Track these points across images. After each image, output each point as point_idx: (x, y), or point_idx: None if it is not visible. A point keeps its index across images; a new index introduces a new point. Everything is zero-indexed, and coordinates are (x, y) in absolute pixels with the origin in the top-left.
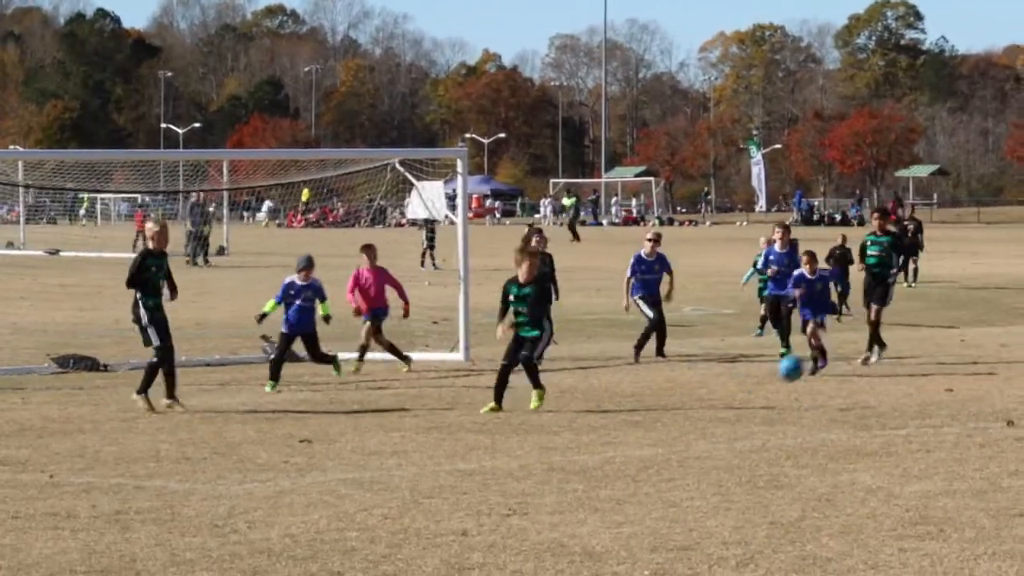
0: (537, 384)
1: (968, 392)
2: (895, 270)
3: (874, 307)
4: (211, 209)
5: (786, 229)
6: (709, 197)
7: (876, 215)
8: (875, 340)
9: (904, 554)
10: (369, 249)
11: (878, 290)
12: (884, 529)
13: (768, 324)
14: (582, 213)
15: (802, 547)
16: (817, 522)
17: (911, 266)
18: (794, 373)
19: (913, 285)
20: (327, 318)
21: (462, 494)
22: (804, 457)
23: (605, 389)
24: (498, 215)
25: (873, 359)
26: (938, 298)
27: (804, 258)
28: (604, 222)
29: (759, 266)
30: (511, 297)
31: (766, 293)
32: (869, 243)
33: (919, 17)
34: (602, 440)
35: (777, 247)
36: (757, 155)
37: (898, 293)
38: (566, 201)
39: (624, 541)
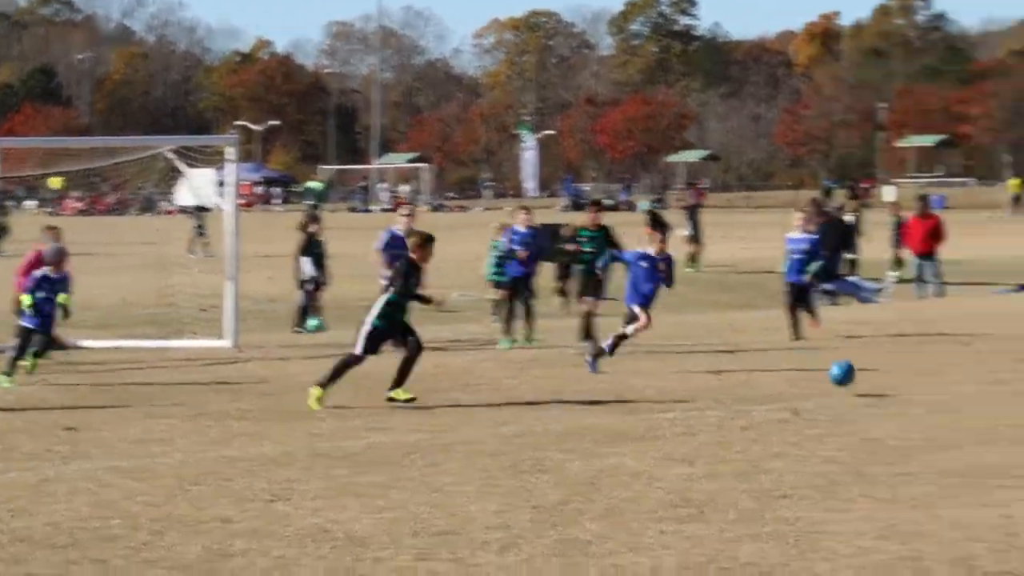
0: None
1: (734, 376)
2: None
3: (588, 301)
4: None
5: (528, 211)
6: (490, 183)
7: (592, 207)
8: (586, 333)
9: (665, 536)
10: (52, 231)
11: (590, 284)
12: (646, 512)
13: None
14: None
15: (564, 530)
16: (580, 506)
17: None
18: (846, 377)
19: (695, 269)
20: (65, 309)
21: (226, 481)
22: (569, 441)
23: (370, 375)
24: (278, 201)
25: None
26: (708, 283)
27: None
28: (373, 208)
29: (506, 248)
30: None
31: (504, 278)
32: (584, 237)
33: (693, 3)
34: (368, 426)
35: (520, 227)
36: (530, 140)
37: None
38: (312, 184)
39: (387, 526)
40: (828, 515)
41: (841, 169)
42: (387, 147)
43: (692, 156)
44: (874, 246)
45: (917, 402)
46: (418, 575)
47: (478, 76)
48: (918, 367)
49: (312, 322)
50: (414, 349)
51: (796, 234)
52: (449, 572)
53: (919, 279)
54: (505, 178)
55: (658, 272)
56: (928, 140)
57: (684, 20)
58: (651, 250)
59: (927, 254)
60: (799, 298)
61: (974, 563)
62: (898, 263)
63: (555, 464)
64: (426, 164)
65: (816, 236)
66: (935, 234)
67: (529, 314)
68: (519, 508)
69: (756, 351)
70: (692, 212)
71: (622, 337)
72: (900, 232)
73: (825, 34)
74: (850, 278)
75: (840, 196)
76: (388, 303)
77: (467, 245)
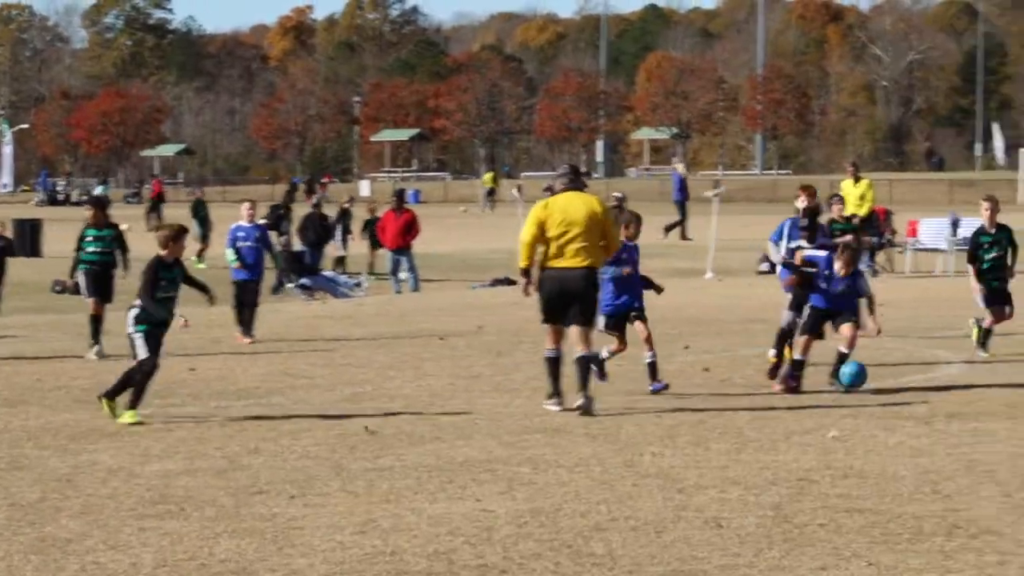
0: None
1: (210, 371)
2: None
3: None
4: None
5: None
6: None
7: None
8: None
9: (144, 533)
10: None
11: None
12: (124, 509)
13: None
14: None
15: (41, 528)
16: (57, 503)
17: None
18: (859, 378)
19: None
20: None
21: None
22: (45, 438)
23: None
24: None
25: None
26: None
27: None
28: None
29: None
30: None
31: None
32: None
33: None
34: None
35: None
36: (6, 135)
37: None
38: None
39: None
40: (307, 510)
41: (316, 163)
42: None
43: (167, 150)
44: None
45: (394, 396)
46: None
47: None
48: (393, 362)
49: None
50: None
51: (247, 223)
52: None
53: (394, 274)
54: None
55: None
56: (402, 134)
57: (158, 14)
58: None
59: (402, 249)
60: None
61: (453, 556)
62: (371, 258)
63: (31, 461)
64: None
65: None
66: (409, 229)
67: None
68: None
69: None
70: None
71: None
72: (374, 228)
73: (298, 28)
74: (327, 273)
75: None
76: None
77: None
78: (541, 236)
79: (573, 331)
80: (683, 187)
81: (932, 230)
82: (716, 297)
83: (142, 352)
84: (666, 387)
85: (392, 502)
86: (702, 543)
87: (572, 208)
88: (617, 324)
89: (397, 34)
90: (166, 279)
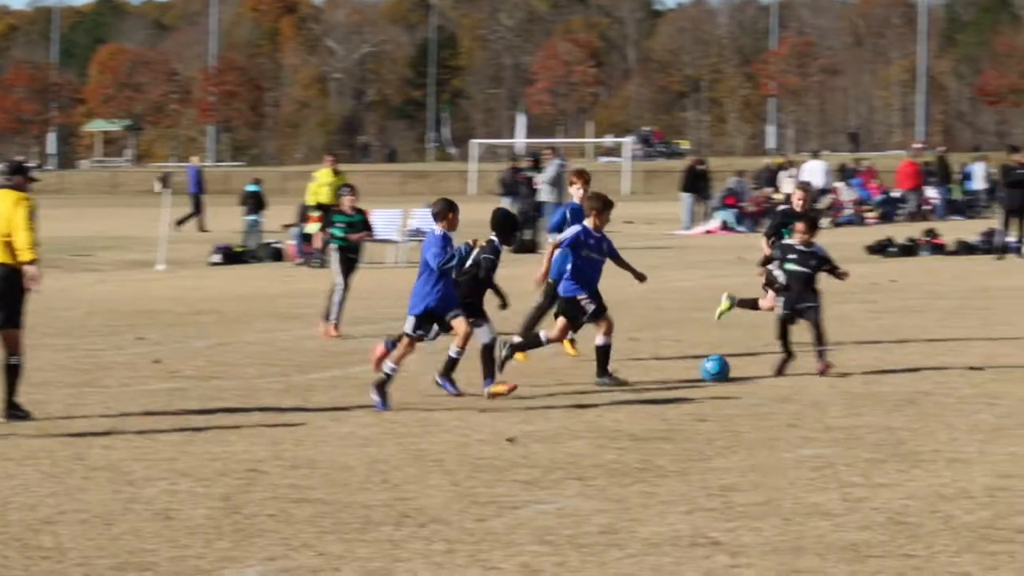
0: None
1: None
2: None
3: None
4: None
5: None
6: None
7: None
8: None
9: None
10: None
11: None
12: None
13: None
14: None
15: None
16: None
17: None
18: (720, 372)
19: None
20: None
21: None
22: None
23: None
24: None
25: None
26: None
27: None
28: None
29: None
30: None
31: None
32: None
33: None
34: None
35: None
36: None
37: None
38: None
39: None
40: None
41: None
42: None
43: None
44: None
45: None
46: None
47: None
48: None
49: None
50: None
51: None
52: None
53: None
54: None
55: None
56: None
57: None
58: None
59: None
60: None
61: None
62: None
63: None
64: None
65: None
66: None
67: None
68: None
69: None
70: None
71: None
72: None
73: None
74: None
75: None
76: None
77: None
78: None
79: None
80: (199, 180)
81: (386, 221)
82: (168, 289)
83: None
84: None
85: None
86: (151, 535)
87: None
88: None
89: None
90: None
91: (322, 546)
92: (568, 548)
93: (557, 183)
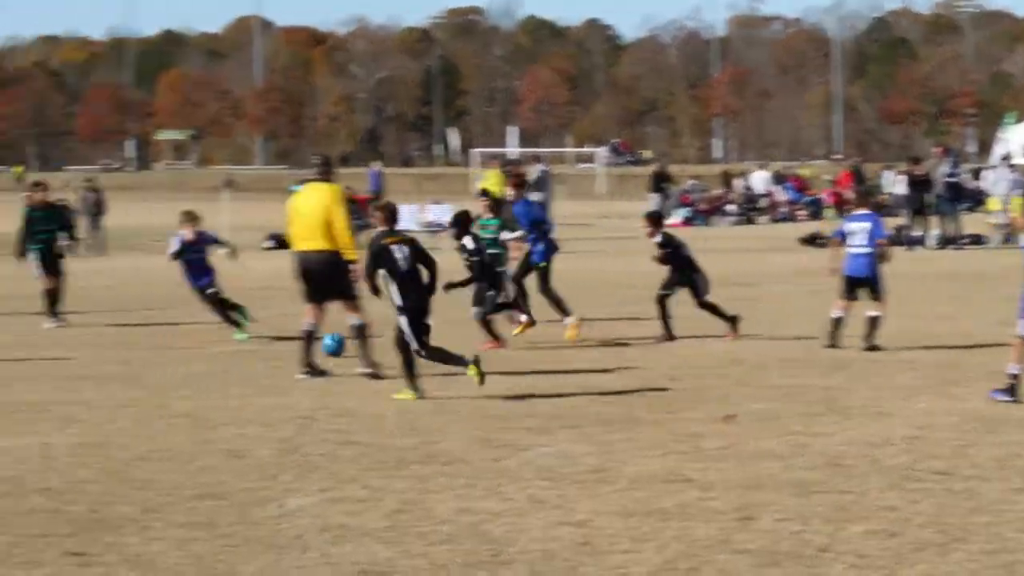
0: None
1: None
2: None
3: None
4: None
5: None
6: None
7: None
8: None
9: None
10: None
11: None
12: None
13: None
14: None
15: None
16: None
17: None
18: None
19: None
20: None
21: None
22: None
23: None
24: None
25: None
26: None
27: None
28: None
29: None
30: None
31: None
32: None
33: None
34: None
35: None
36: None
37: None
38: None
39: None
40: None
41: None
42: None
43: None
44: None
45: None
46: None
47: None
48: None
49: None
50: None
51: None
52: None
53: None
54: None
55: None
56: None
57: None
58: None
59: None
60: None
61: (20, 481)
62: None
63: None
64: None
65: None
66: None
67: None
68: None
69: None
70: None
71: None
72: None
73: None
74: None
75: None
76: None
77: None
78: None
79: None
80: (379, 182)
81: (406, 216)
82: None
83: None
84: None
85: None
86: (226, 470)
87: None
88: None
89: None
90: None
91: (365, 480)
92: (566, 483)
93: (540, 185)
